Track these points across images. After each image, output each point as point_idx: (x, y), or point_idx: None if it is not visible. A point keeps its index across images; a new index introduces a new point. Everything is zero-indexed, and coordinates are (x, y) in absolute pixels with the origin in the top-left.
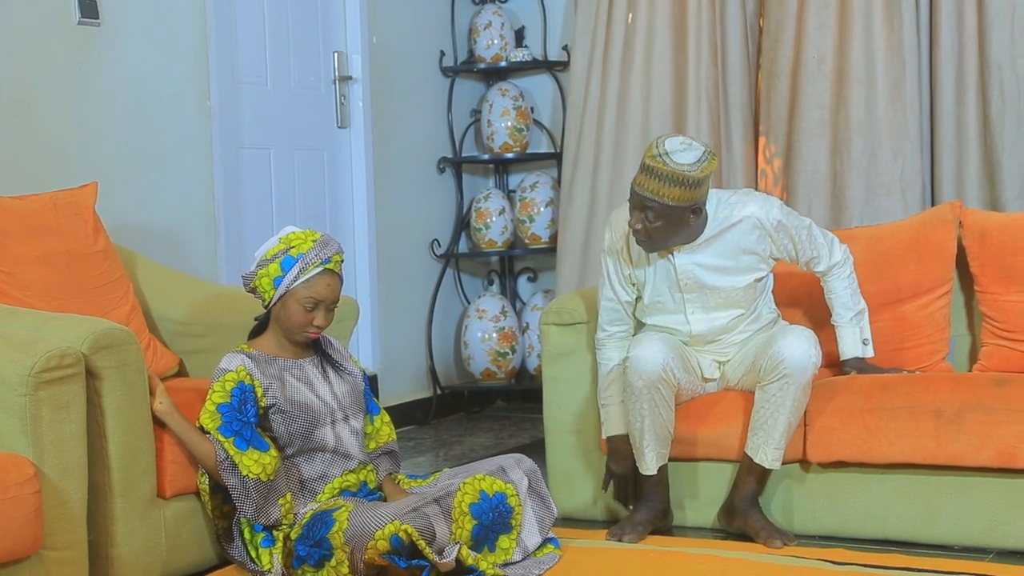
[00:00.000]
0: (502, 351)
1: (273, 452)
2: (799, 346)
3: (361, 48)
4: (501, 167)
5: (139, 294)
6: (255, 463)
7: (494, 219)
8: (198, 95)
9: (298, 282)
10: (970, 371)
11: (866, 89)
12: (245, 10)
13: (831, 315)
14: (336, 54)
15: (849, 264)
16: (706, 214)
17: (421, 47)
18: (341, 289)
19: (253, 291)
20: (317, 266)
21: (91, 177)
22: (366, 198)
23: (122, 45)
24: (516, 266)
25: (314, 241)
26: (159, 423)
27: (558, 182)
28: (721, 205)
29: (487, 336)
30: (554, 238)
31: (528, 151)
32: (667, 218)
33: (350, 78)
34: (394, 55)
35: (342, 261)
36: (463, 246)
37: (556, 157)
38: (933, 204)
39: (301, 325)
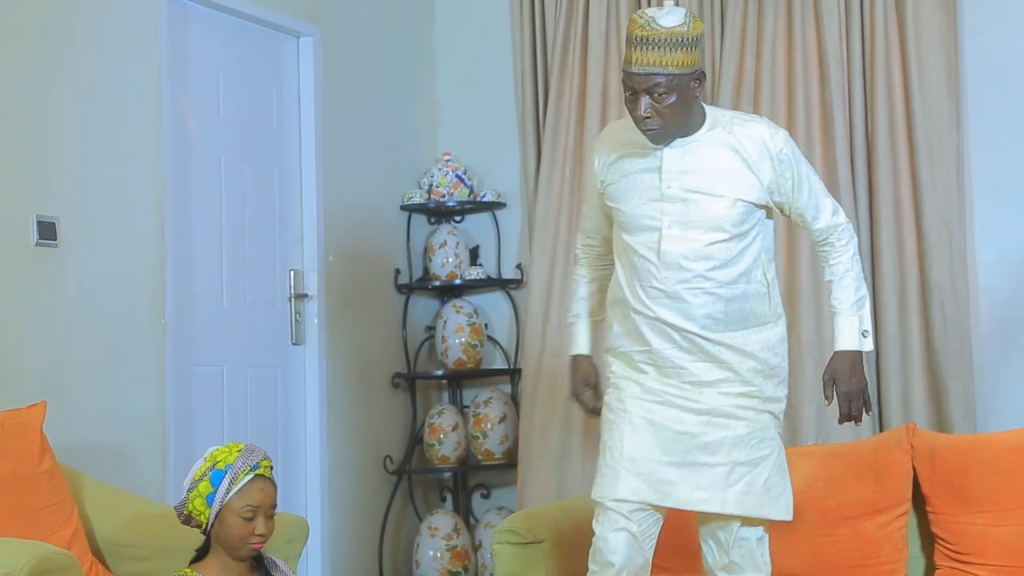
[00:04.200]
0: (454, 570)
1: None
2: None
3: (317, 266)
4: (455, 382)
5: (83, 515)
6: None
7: (447, 435)
8: (153, 312)
9: (231, 493)
10: None
11: (815, 310)
12: (203, 229)
13: (829, 297)
14: (292, 272)
15: (852, 233)
16: (701, 98)
17: (377, 265)
18: (276, 494)
19: (188, 519)
20: (247, 473)
21: (41, 395)
22: (318, 414)
23: (79, 265)
24: (470, 482)
25: (239, 451)
26: None
27: (511, 398)
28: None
29: (439, 555)
30: (507, 454)
31: (482, 367)
32: (677, 90)
33: (306, 295)
34: (350, 273)
35: (271, 466)
36: (416, 462)
37: (510, 373)
38: (881, 425)
39: (243, 537)
